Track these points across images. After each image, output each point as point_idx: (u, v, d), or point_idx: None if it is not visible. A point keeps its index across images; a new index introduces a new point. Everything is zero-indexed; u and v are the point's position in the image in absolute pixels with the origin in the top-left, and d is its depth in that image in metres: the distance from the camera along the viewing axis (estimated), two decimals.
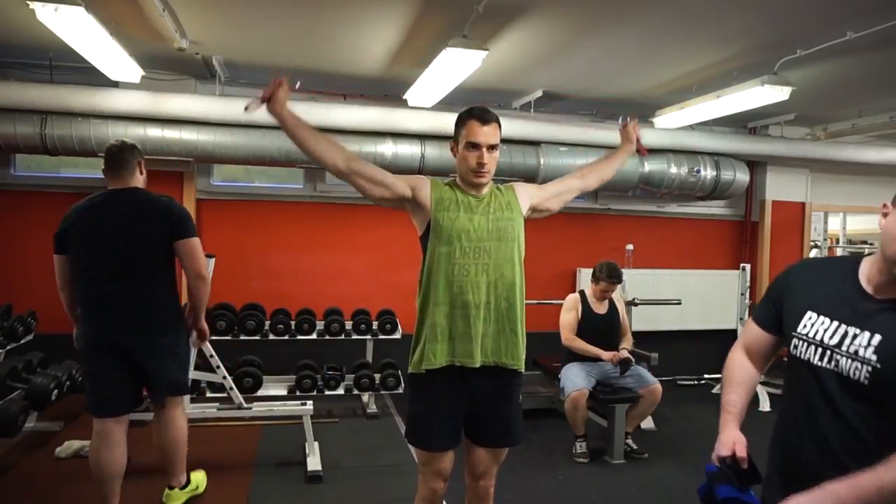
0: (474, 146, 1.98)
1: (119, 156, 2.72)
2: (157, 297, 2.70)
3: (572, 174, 2.33)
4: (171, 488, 2.93)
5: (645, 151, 2.54)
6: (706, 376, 6.12)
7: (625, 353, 3.88)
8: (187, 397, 3.18)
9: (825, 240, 7.23)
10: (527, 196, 2.14)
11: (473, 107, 2.05)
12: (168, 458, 2.89)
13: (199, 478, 3.11)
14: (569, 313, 4.02)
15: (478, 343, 1.97)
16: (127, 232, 2.63)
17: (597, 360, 3.93)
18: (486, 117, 2.00)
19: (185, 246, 2.70)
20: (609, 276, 3.96)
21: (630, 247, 5.68)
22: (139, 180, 2.77)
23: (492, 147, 2.00)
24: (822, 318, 1.35)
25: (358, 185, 2.00)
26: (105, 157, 2.74)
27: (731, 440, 1.41)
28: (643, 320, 5.23)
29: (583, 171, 2.34)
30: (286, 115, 1.93)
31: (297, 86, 4.74)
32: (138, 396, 2.78)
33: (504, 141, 2.06)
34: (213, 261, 3.19)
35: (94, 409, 2.67)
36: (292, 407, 3.61)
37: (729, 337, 5.65)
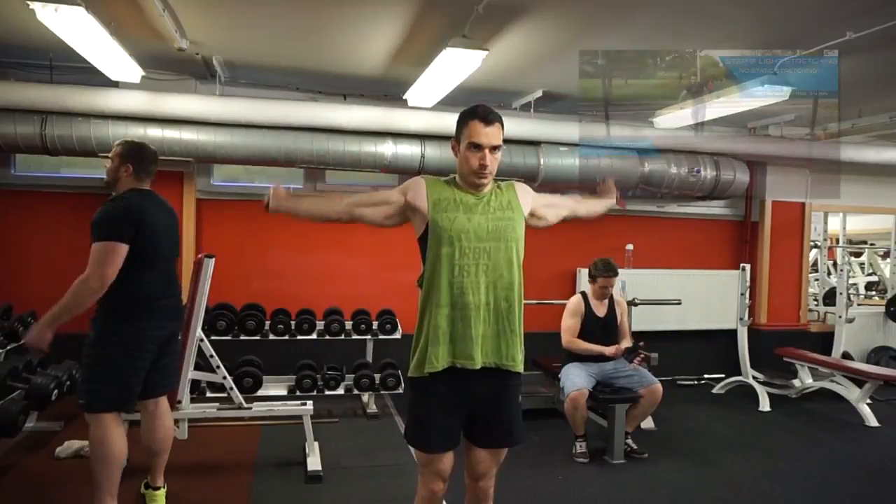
0: (477, 147, 1.96)
1: (157, 159, 2.74)
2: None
3: (569, 197, 2.51)
4: None
5: (623, 204, 2.66)
6: (706, 376, 6.11)
7: (623, 346, 4.00)
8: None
9: (825, 240, 7.22)
10: (528, 200, 2.13)
11: (477, 105, 2.02)
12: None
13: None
14: (573, 319, 4.03)
15: (478, 344, 1.96)
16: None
17: (597, 360, 3.94)
18: (489, 118, 1.97)
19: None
20: (605, 270, 3.98)
21: (630, 247, 5.69)
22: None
23: (494, 148, 1.98)
24: None
25: (365, 216, 2.09)
26: (150, 156, 2.67)
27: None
28: (643, 320, 5.22)
29: (578, 199, 2.55)
30: (287, 206, 2.10)
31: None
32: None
33: (504, 141, 2.04)
34: (212, 261, 3.20)
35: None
36: (292, 407, 3.61)
37: (729, 337, 5.67)
